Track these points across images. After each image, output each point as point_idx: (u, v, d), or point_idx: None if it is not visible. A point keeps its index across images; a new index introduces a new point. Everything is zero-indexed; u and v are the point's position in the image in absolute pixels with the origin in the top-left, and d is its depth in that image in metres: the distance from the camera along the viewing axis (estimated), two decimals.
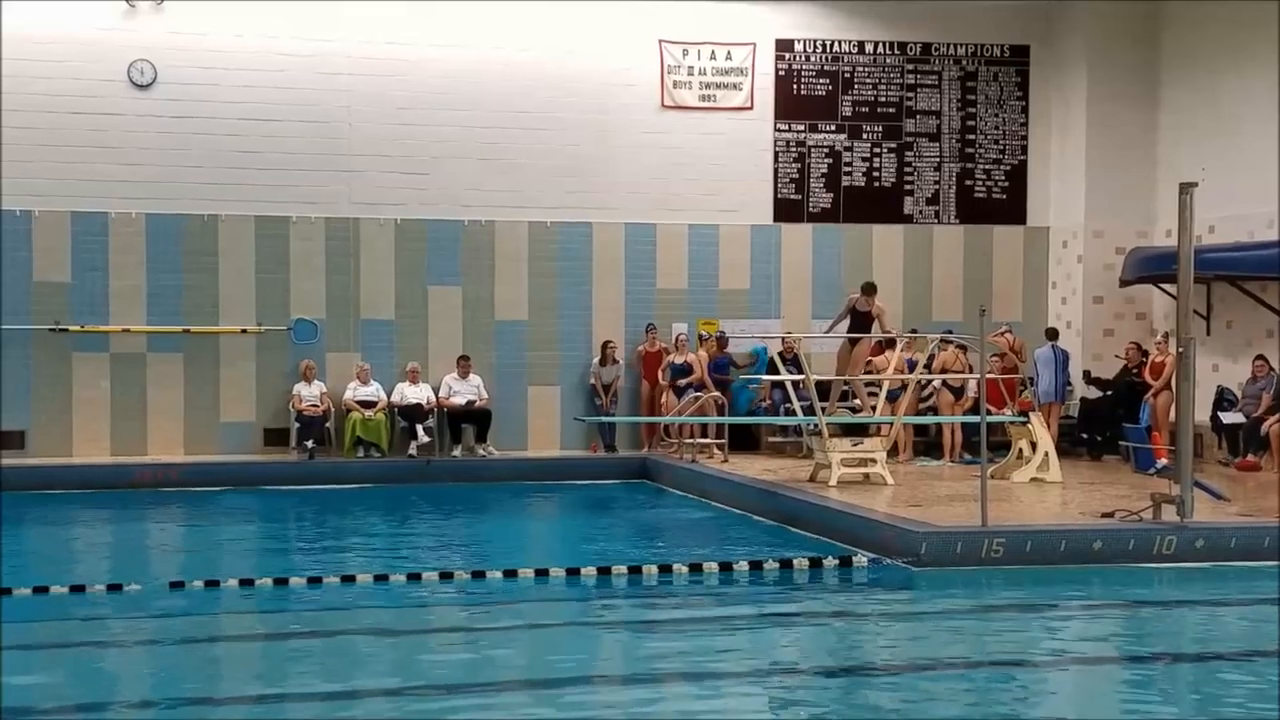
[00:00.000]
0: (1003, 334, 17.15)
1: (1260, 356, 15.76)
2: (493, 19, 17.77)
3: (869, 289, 15.02)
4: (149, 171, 16.99)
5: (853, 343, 14.97)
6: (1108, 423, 16.64)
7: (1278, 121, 15.81)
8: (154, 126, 16.97)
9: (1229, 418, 15.70)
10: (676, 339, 17.84)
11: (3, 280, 16.69)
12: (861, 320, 14.90)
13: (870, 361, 15.85)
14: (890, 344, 15.95)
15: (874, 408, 15.39)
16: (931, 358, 16.12)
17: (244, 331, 17.42)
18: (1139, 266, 17.25)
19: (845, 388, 16.68)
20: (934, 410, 16.93)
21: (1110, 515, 11.33)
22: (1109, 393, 17.02)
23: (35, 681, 7.42)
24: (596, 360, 17.94)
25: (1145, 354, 16.60)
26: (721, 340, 17.93)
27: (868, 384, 15.67)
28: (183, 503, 15.01)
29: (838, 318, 15.30)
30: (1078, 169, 18.40)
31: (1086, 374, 17.52)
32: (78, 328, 16.94)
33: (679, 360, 17.61)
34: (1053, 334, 17.46)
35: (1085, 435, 17.09)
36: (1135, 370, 16.61)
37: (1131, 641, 8.92)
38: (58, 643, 8.42)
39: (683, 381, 17.39)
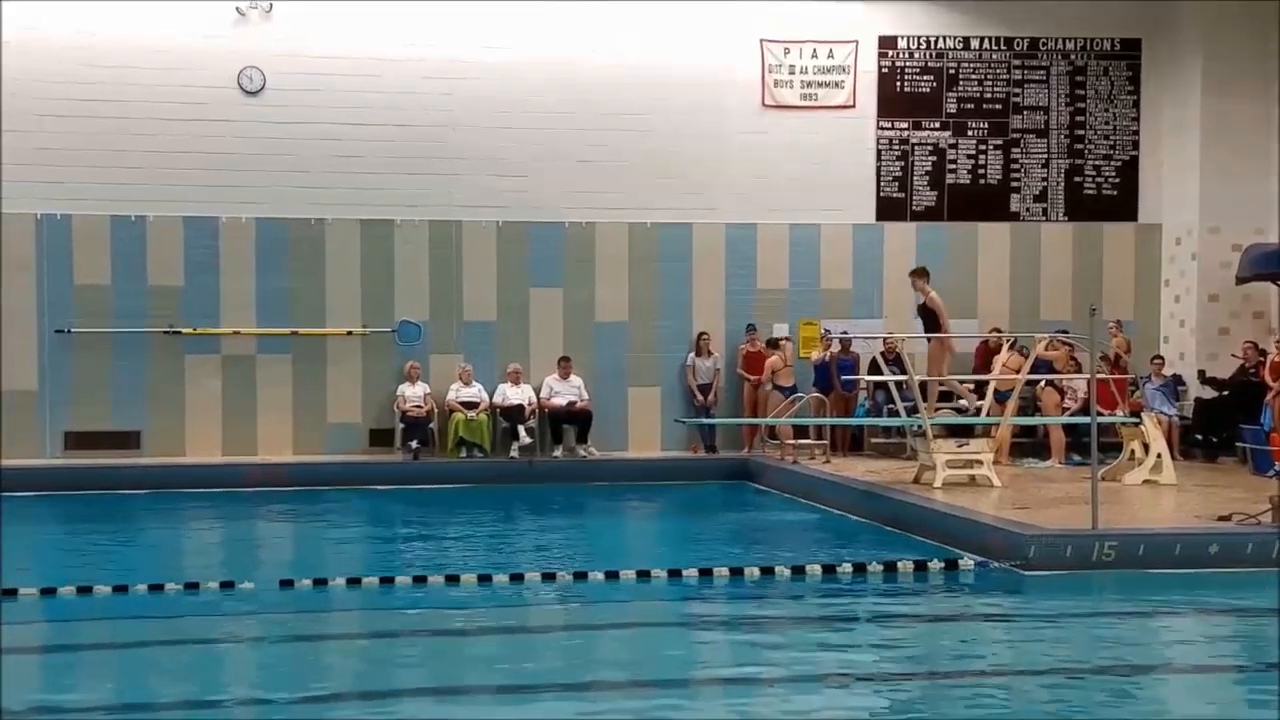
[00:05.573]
0: (1112, 331, 16.78)
1: None
2: (593, 21, 17.84)
3: (915, 273, 14.65)
4: (258, 177, 17.30)
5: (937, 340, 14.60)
6: (1224, 424, 16.22)
7: None
8: (263, 132, 17.27)
9: None
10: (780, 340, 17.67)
11: (120, 284, 17.14)
12: (927, 315, 14.49)
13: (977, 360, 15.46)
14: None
15: (979, 408, 15.10)
16: (1036, 358, 15.78)
17: (350, 333, 17.68)
18: (1256, 263, 16.78)
19: (942, 388, 16.41)
20: (1037, 409, 16.61)
21: (1227, 518, 11.03)
22: (1225, 393, 16.58)
23: (151, 677, 7.59)
24: (692, 354, 17.91)
25: (1263, 353, 16.13)
26: (845, 342, 17.79)
27: (975, 384, 15.35)
28: (291, 502, 15.25)
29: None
30: (1192, 164, 17.94)
31: (1201, 374, 17.08)
32: (190, 330, 17.33)
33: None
34: (1158, 361, 17.13)
35: (1200, 436, 16.66)
36: (1253, 370, 16.15)
37: (1248, 650, 8.65)
38: (173, 639, 8.59)
39: (786, 383, 17.28)
